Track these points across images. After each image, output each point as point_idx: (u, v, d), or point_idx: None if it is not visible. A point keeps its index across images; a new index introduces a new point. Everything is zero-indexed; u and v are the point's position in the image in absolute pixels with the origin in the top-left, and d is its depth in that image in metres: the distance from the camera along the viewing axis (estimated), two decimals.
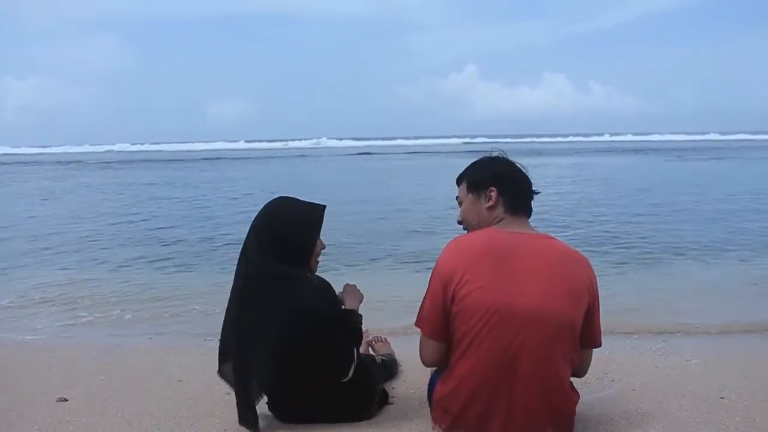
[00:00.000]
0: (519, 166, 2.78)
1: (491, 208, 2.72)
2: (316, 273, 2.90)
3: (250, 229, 2.88)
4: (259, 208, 2.90)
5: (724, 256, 9.26)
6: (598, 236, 10.87)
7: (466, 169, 2.83)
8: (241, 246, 2.82)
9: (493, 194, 2.68)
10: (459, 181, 2.85)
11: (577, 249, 2.72)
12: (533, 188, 2.75)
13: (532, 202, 2.76)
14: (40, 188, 23.86)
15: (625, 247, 9.81)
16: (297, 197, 2.93)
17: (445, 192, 16.84)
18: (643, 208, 14.97)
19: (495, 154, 2.84)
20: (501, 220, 2.72)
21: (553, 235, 2.76)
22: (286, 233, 2.81)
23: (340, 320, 2.86)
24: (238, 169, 35.19)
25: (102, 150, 73.19)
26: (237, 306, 2.87)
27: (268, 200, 2.93)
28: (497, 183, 2.69)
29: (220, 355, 2.97)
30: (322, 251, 2.97)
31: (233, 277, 2.93)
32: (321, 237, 2.95)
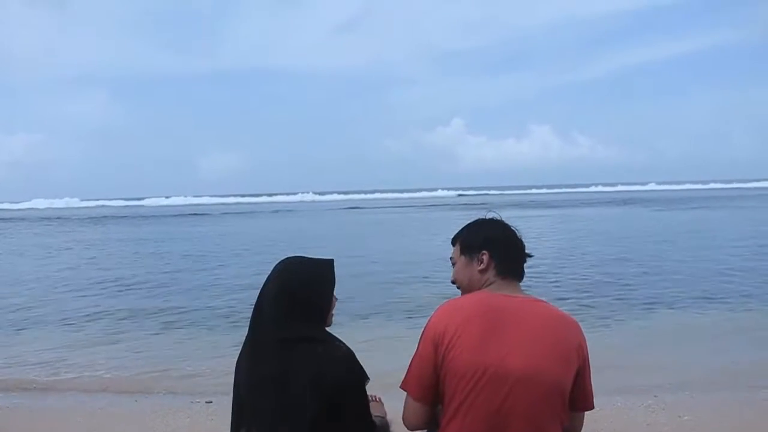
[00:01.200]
0: (512, 228, 2.79)
1: (483, 271, 2.72)
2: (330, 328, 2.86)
3: (264, 291, 2.85)
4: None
5: (710, 306, 9.30)
6: (585, 289, 10.90)
7: (460, 231, 2.85)
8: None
9: (485, 258, 2.70)
10: (453, 242, 2.85)
11: (566, 308, 2.75)
12: (526, 251, 2.74)
13: (525, 265, 2.79)
14: (37, 245, 23.85)
15: (613, 298, 9.84)
16: (304, 255, 2.94)
17: (430, 248, 17.08)
18: (628, 259, 15.07)
19: (489, 215, 2.85)
20: (492, 283, 2.74)
21: (542, 287, 2.79)
22: (303, 293, 2.77)
23: (362, 394, 2.79)
24: (230, 223, 35.23)
25: (93, 205, 73.16)
26: (253, 370, 2.80)
27: (277, 261, 2.93)
28: (489, 247, 2.71)
29: (233, 423, 2.88)
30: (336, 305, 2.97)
31: (244, 340, 2.90)
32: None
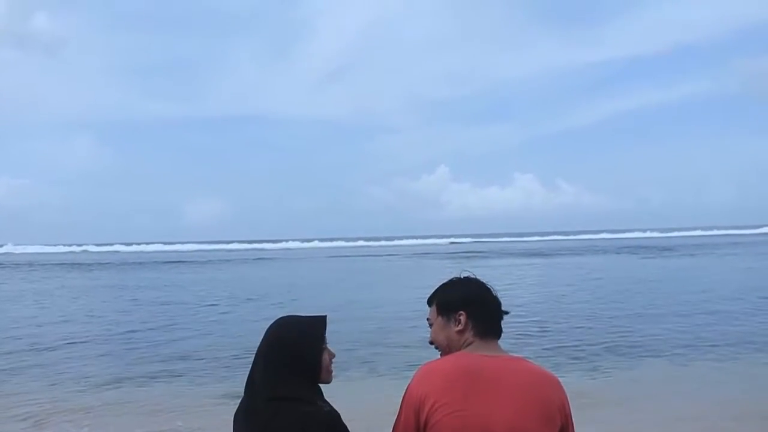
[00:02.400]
0: (488, 287, 2.78)
1: (461, 332, 2.71)
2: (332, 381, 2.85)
3: (258, 350, 2.84)
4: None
5: (699, 356, 9.32)
6: (574, 339, 10.91)
7: (436, 291, 2.82)
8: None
9: (462, 318, 2.68)
10: (429, 303, 2.84)
11: (555, 359, 2.75)
12: (503, 309, 2.73)
13: (506, 320, 2.79)
14: (24, 291, 23.58)
15: (603, 348, 9.84)
16: (296, 314, 2.94)
17: (408, 298, 17.07)
18: (615, 307, 15.17)
19: (464, 274, 2.83)
20: (471, 343, 2.73)
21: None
22: (292, 351, 2.79)
23: None
24: (219, 270, 35.02)
25: (78, 250, 72.46)
26: (244, 427, 2.81)
27: (270, 323, 2.95)
28: (466, 307, 2.70)
29: None
30: (333, 359, 2.96)
31: (239, 402, 2.91)
32: (329, 346, 2.95)
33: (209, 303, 18.40)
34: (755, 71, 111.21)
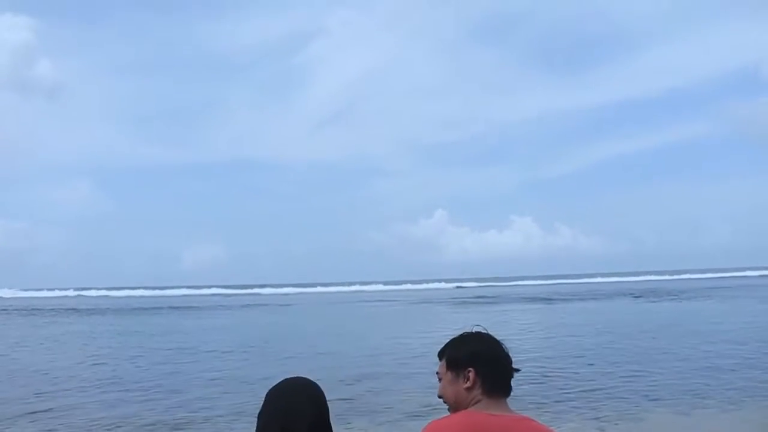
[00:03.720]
0: (499, 342, 2.76)
1: (469, 389, 2.69)
2: None
3: (265, 415, 2.73)
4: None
5: (700, 404, 9.25)
6: (574, 389, 10.83)
7: (446, 345, 2.81)
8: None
9: (471, 375, 2.68)
10: (440, 356, 2.82)
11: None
12: (513, 366, 2.71)
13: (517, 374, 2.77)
14: (27, 337, 23.42)
15: (606, 396, 9.76)
16: (292, 376, 2.94)
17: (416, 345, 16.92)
18: (617, 354, 15.11)
19: (475, 329, 2.82)
20: (478, 401, 2.73)
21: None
22: (309, 413, 2.80)
23: None
24: (219, 316, 34.77)
25: (73, 295, 72.16)
26: None
27: (270, 388, 2.95)
28: (475, 364, 2.68)
29: None
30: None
31: None
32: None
33: (208, 350, 18.32)
34: (747, 115, 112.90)
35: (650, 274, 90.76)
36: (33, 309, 45.28)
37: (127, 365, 15.45)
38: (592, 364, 13.78)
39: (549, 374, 12.06)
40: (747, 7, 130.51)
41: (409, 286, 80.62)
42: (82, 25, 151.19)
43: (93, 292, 78.84)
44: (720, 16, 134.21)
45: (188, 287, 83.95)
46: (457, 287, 76.14)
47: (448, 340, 2.82)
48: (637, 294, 46.63)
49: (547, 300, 44.16)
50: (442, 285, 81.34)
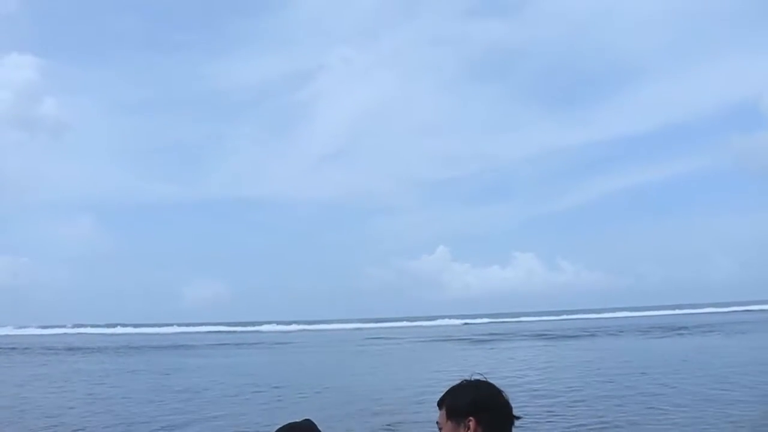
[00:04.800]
0: (499, 390, 2.78)
1: None
2: None
3: None
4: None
5: None
6: (579, 430, 10.91)
7: (446, 394, 2.83)
8: None
9: (472, 424, 2.69)
10: (439, 405, 2.83)
11: None
12: (513, 414, 2.74)
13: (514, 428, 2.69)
14: (33, 377, 23.34)
15: None
16: (293, 422, 2.95)
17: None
18: (623, 394, 15.05)
19: (475, 377, 2.83)
20: None
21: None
22: None
23: None
24: (221, 355, 34.66)
25: (74, 332, 71.81)
26: None
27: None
28: (476, 413, 2.70)
29: None
30: None
31: None
32: None
33: (212, 391, 18.37)
34: (748, 148, 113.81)
35: (654, 309, 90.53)
36: (32, 348, 45.04)
37: (133, 408, 15.43)
38: (595, 404, 13.66)
39: (552, 412, 12.16)
40: (745, 41, 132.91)
41: (410, 323, 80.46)
42: (87, 64, 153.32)
43: (92, 330, 78.64)
44: (718, 50, 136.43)
45: (189, 324, 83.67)
46: (465, 323, 76.00)
47: (447, 389, 2.82)
48: (644, 329, 46.58)
49: (555, 337, 43.92)
50: (447, 322, 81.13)
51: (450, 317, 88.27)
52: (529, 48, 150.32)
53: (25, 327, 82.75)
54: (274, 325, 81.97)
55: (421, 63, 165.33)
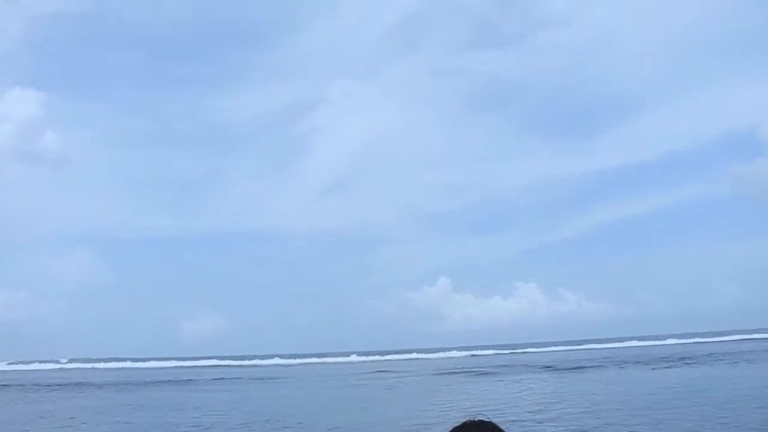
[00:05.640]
0: (502, 430, 2.78)
1: None
2: None
3: None
4: None
5: None
6: None
7: None
8: None
9: None
10: None
11: None
12: None
13: None
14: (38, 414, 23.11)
15: None
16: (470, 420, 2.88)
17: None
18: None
19: (478, 418, 2.81)
20: None
21: None
22: None
23: None
24: (221, 390, 34.34)
25: (72, 367, 71.23)
26: None
27: None
28: None
29: None
30: None
31: None
32: None
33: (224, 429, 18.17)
34: (746, 175, 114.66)
35: (658, 339, 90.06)
36: (30, 384, 44.52)
37: None
38: None
39: None
40: (741, 70, 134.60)
41: (414, 355, 79.94)
42: (88, 98, 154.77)
43: (88, 364, 78.21)
44: (715, 79, 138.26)
45: (189, 359, 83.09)
46: (473, 355, 75.50)
47: (450, 429, 2.78)
48: (649, 359, 46.21)
49: (561, 369, 43.58)
50: (451, 354, 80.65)
51: (453, 349, 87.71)
52: (528, 78, 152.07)
53: (19, 362, 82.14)
54: (276, 359, 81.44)
55: (421, 94, 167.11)
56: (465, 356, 74.96)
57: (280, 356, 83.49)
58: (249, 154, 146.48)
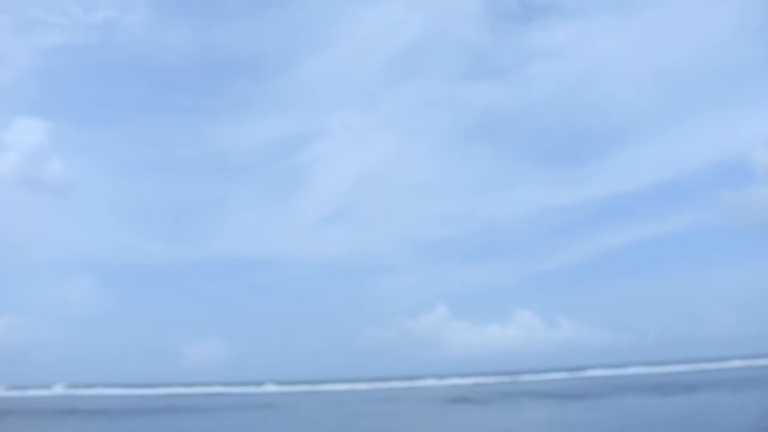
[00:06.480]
0: None
1: None
2: None
3: None
4: None
5: None
6: None
7: None
8: None
9: None
10: None
11: None
12: None
13: None
14: None
15: None
16: None
17: None
18: None
19: None
20: None
21: None
22: None
23: None
24: (222, 418, 34.35)
25: (71, 393, 70.89)
26: None
27: None
28: None
29: None
30: None
31: None
32: None
33: None
34: (740, 203, 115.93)
35: (655, 365, 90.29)
36: (31, 411, 44.42)
37: None
38: None
39: None
40: (732, 99, 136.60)
41: (415, 382, 79.92)
42: (93, 126, 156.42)
43: (89, 390, 77.88)
44: (708, 109, 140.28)
45: (189, 385, 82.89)
46: (475, 384, 75.51)
47: None
48: (648, 387, 46.37)
49: (562, 397, 43.67)
50: (454, 381, 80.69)
51: (453, 376, 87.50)
52: (524, 109, 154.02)
53: (18, 388, 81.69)
54: (276, 385, 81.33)
55: (419, 125, 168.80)
56: (467, 384, 74.89)
57: (280, 383, 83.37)
58: (250, 182, 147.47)
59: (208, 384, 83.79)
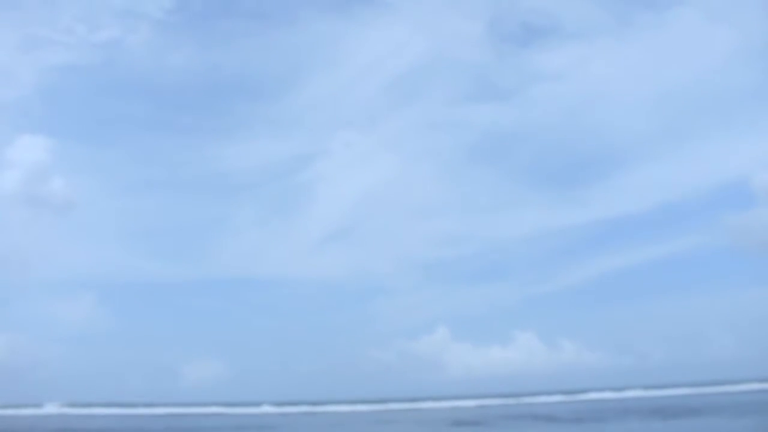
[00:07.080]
0: None
1: None
2: None
3: None
4: None
5: None
6: None
7: None
8: None
9: None
10: None
11: None
12: None
13: None
14: None
15: None
16: None
17: None
18: None
19: None
20: None
21: None
22: None
23: None
24: None
25: (69, 412, 70.35)
26: None
27: None
28: None
29: None
30: None
31: None
32: None
33: None
34: (742, 226, 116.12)
35: (657, 388, 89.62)
36: (29, 431, 43.95)
37: None
38: None
39: None
40: (734, 121, 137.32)
41: (416, 404, 79.34)
42: (95, 144, 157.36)
43: (87, 409, 77.32)
44: (709, 132, 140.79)
45: (187, 405, 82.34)
46: (477, 406, 74.96)
47: None
48: (653, 410, 46.01)
49: (565, 421, 43.38)
50: (457, 403, 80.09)
51: (454, 398, 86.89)
52: (525, 131, 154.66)
53: (13, 406, 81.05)
54: (275, 406, 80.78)
55: (420, 146, 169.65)
56: (469, 406, 74.27)
57: (279, 404, 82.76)
58: (251, 202, 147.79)
59: (207, 404, 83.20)
